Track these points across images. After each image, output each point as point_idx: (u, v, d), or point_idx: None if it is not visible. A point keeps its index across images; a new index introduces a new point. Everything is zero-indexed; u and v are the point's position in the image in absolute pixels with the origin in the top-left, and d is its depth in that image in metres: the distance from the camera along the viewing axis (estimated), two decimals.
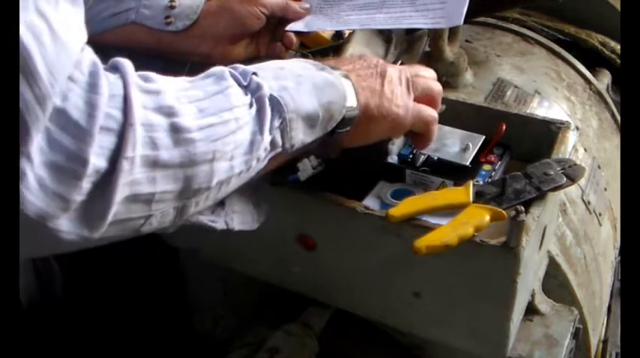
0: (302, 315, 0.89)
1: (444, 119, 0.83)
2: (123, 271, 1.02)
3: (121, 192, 0.51)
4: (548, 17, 1.45)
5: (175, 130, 0.54)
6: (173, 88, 0.56)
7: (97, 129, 0.49)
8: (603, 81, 1.37)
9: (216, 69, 0.61)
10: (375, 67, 0.71)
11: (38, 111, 0.47)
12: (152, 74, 0.55)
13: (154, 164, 0.53)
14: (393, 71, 0.71)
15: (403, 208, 0.69)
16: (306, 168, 0.72)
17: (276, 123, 0.61)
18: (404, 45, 1.06)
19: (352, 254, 0.74)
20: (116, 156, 0.50)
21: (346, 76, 0.67)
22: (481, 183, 0.75)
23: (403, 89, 0.71)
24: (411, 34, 1.09)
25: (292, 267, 0.79)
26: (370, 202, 0.74)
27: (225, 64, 0.91)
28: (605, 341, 1.34)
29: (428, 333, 0.78)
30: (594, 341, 1.06)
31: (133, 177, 0.52)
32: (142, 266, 1.01)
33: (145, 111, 0.53)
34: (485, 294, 0.69)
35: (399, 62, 1.01)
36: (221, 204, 0.67)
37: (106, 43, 0.89)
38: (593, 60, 1.39)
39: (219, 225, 0.68)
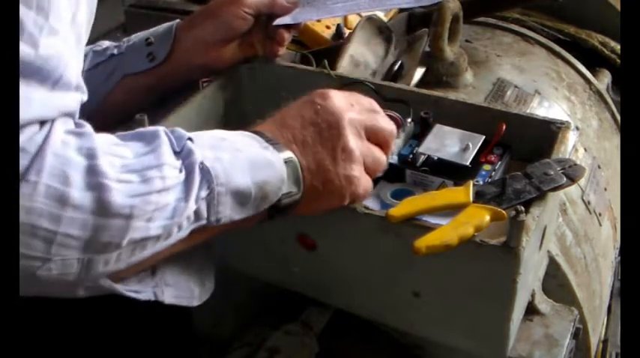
0: (302, 315, 0.89)
1: (444, 119, 0.83)
2: None
3: None
4: (548, 17, 1.45)
5: (93, 173, 0.53)
6: (101, 139, 0.56)
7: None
8: (603, 81, 1.37)
9: (151, 129, 0.60)
10: (330, 129, 0.66)
11: None
12: (85, 122, 0.56)
13: (61, 200, 0.51)
14: (350, 134, 0.66)
15: (403, 208, 0.69)
16: None
17: (203, 193, 0.59)
18: (404, 45, 1.06)
19: (352, 254, 0.74)
20: (20, 178, 0.50)
21: (290, 161, 0.64)
22: (481, 183, 0.75)
23: (357, 154, 0.67)
24: (411, 33, 1.09)
25: (292, 267, 0.79)
26: (370, 202, 0.74)
27: (223, 66, 0.92)
28: (605, 341, 1.34)
29: (428, 333, 0.78)
30: (594, 341, 1.06)
31: (32, 205, 0.50)
32: None
33: (65, 146, 0.52)
34: (485, 294, 0.69)
35: (399, 62, 1.02)
36: (151, 273, 0.64)
37: (112, 110, 0.90)
38: (593, 60, 1.39)
39: (145, 295, 0.64)
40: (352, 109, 0.68)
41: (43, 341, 0.83)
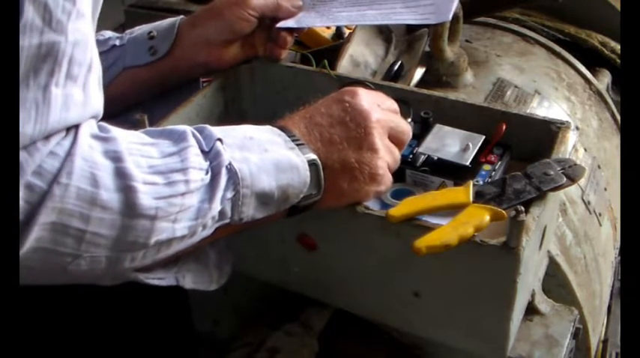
0: (302, 315, 0.89)
1: (444, 119, 0.83)
2: None
3: (46, 214, 0.51)
4: (548, 17, 1.45)
5: (121, 176, 0.54)
6: (128, 139, 0.57)
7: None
8: (603, 81, 1.37)
9: (180, 128, 0.61)
10: (358, 127, 0.67)
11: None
12: (110, 126, 0.57)
13: (90, 201, 0.53)
14: (376, 133, 0.68)
15: (403, 208, 0.69)
16: None
17: (229, 194, 0.60)
18: (404, 45, 1.06)
19: (352, 254, 0.74)
20: (53, 180, 0.51)
21: (313, 163, 0.65)
22: (481, 183, 0.75)
23: (382, 153, 0.69)
24: (411, 33, 1.09)
25: (292, 267, 0.79)
26: (370, 202, 0.74)
27: (224, 66, 0.92)
28: (605, 341, 1.34)
29: (428, 333, 0.78)
30: (594, 341, 1.06)
31: (63, 206, 0.52)
32: None
33: (91, 150, 0.54)
34: (485, 294, 0.69)
35: (399, 62, 1.01)
36: (174, 258, 0.65)
37: (110, 101, 0.90)
38: (593, 60, 1.39)
39: (168, 281, 0.65)
40: (378, 109, 0.70)
41: (44, 340, 0.83)
